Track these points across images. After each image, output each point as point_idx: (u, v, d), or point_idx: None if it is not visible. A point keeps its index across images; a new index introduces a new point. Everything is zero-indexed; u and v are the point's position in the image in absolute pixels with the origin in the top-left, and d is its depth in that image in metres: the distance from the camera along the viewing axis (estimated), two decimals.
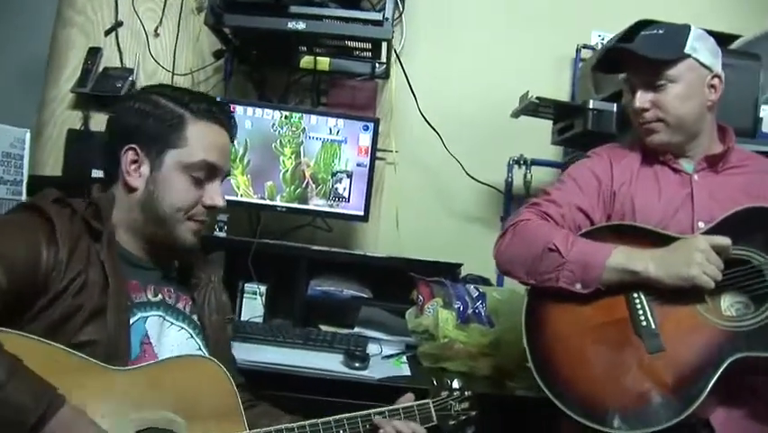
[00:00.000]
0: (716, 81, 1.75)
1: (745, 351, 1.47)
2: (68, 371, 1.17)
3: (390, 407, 1.45)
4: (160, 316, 1.40)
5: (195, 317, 1.48)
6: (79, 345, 1.21)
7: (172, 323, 1.42)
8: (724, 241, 1.55)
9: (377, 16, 2.36)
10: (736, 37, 2.31)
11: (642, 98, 1.74)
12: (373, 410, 1.42)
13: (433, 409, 1.47)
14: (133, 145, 1.37)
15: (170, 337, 1.41)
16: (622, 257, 1.61)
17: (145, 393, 1.24)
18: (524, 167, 2.90)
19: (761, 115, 2.21)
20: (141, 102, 1.41)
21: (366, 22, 2.40)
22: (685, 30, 1.74)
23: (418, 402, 1.48)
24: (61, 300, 1.22)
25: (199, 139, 1.40)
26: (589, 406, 1.52)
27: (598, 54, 1.81)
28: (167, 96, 1.42)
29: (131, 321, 1.32)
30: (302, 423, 1.35)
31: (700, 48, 1.73)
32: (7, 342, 1.11)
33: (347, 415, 1.39)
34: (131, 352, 1.30)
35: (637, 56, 1.72)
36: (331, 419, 1.37)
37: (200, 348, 1.45)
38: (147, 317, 1.37)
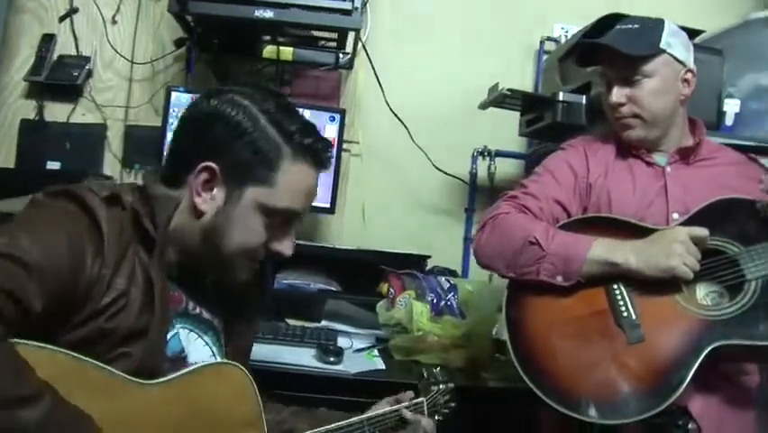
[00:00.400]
0: (689, 76, 1.77)
1: (723, 339, 1.49)
2: (100, 389, 1.06)
3: (393, 407, 1.45)
4: (191, 330, 1.28)
5: (222, 335, 1.36)
6: (112, 359, 1.09)
7: (199, 336, 1.30)
8: (702, 232, 1.57)
9: (346, 5, 2.31)
10: (699, 32, 2.34)
11: (618, 93, 1.75)
12: (365, 416, 1.41)
13: (426, 408, 1.47)
14: (213, 165, 1.19)
15: (198, 353, 1.28)
16: (602, 249, 1.61)
17: (178, 413, 1.15)
18: (488, 158, 2.90)
19: (724, 109, 2.25)
20: (241, 112, 1.20)
21: (334, 11, 2.36)
22: (660, 24, 1.76)
23: (414, 402, 1.47)
24: (98, 320, 1.08)
25: (291, 183, 1.21)
26: (570, 396, 1.52)
27: (573, 48, 1.82)
28: (271, 115, 1.21)
29: (168, 336, 1.21)
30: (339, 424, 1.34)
31: (675, 43, 1.75)
32: (33, 356, 0.98)
33: (376, 413, 1.40)
34: (164, 367, 1.18)
35: (613, 51, 1.72)
36: (363, 417, 1.38)
37: (213, 355, 1.33)
38: (180, 329, 1.25)
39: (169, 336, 1.21)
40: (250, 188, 1.20)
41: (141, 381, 1.11)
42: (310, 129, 1.25)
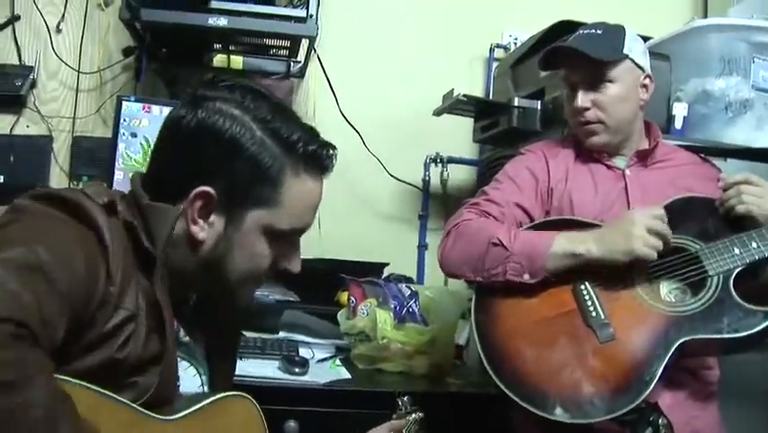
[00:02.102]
0: (647, 81, 1.82)
1: (690, 334, 1.52)
2: (123, 425, 0.95)
3: None
4: (181, 356, 1.15)
5: (204, 362, 1.26)
6: (125, 386, 0.97)
7: (190, 364, 1.20)
8: (659, 210, 1.60)
9: (300, 13, 2.30)
10: (647, 38, 2.40)
11: (583, 98, 1.77)
12: None
13: None
14: (208, 189, 1.05)
15: (189, 382, 1.19)
16: (564, 242, 1.63)
17: None
18: (440, 165, 2.92)
19: (673, 113, 2.31)
20: (234, 125, 1.06)
21: (289, 18, 2.34)
22: (621, 30, 1.79)
23: None
24: (108, 348, 0.94)
25: (297, 201, 1.10)
26: (546, 398, 1.52)
27: (545, 52, 1.82)
28: (267, 124, 1.08)
29: None
30: None
31: (635, 48, 1.79)
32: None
33: None
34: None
35: (581, 55, 1.74)
36: None
37: (201, 385, 1.23)
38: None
39: None
40: (252, 211, 1.08)
41: (160, 416, 1.01)
42: (311, 134, 1.13)
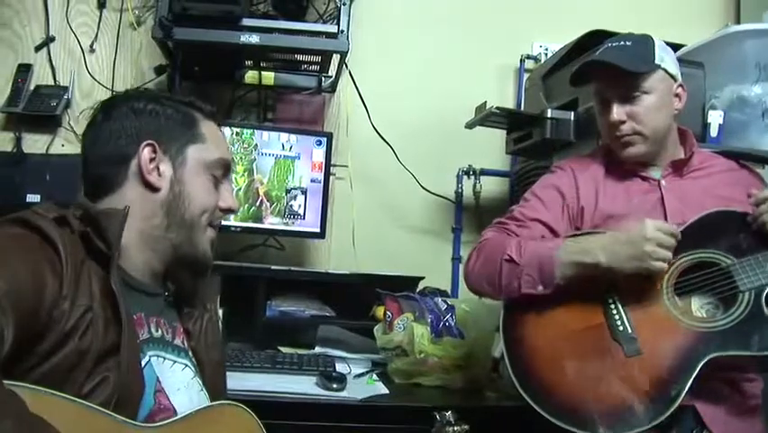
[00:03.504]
0: (680, 90, 1.80)
1: (720, 350, 1.50)
2: None
3: None
4: (160, 355, 1.20)
5: (191, 353, 1.31)
6: (89, 392, 1.01)
7: (174, 361, 1.24)
8: (671, 227, 1.58)
9: (332, 29, 2.31)
10: (680, 46, 2.38)
11: (619, 111, 1.74)
12: None
13: None
14: (151, 141, 1.23)
15: (175, 378, 1.21)
16: (572, 250, 1.63)
17: None
18: (473, 177, 2.92)
19: (708, 121, 2.28)
20: (145, 101, 1.28)
21: (320, 34, 2.35)
22: (649, 40, 1.78)
23: None
24: (67, 346, 1.00)
25: (211, 135, 1.31)
26: (573, 412, 1.53)
27: (576, 69, 1.81)
28: (165, 97, 1.32)
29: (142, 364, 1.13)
30: None
31: (666, 58, 1.77)
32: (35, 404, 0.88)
33: None
34: (144, 399, 1.10)
35: (615, 68, 1.72)
36: None
37: (201, 389, 1.28)
38: (151, 357, 1.17)
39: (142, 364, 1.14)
40: (189, 149, 1.27)
41: (141, 424, 1.05)
42: (200, 101, 1.36)
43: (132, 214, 1.18)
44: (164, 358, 1.21)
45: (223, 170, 1.32)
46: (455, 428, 1.45)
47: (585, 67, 1.81)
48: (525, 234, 1.78)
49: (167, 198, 1.24)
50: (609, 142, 1.83)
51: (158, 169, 1.24)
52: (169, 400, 1.17)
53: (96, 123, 1.28)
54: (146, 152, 1.23)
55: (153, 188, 1.23)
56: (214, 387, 1.32)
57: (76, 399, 0.97)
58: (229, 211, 1.34)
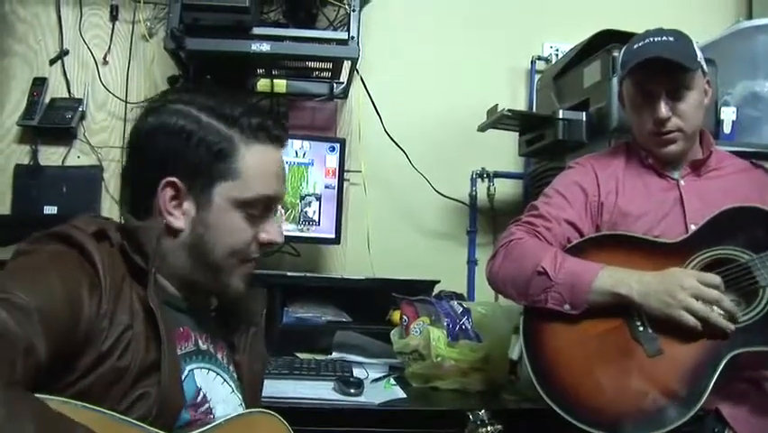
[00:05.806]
0: (707, 86, 1.78)
1: (744, 346, 1.50)
2: None
3: None
4: (207, 367, 1.19)
5: (231, 368, 1.27)
6: (128, 408, 1.00)
7: (217, 374, 1.21)
8: (713, 279, 1.55)
9: (342, 36, 2.32)
10: None
11: (666, 108, 1.71)
12: None
13: None
14: (172, 179, 1.13)
15: (219, 393, 1.20)
16: (608, 280, 1.60)
17: None
18: (486, 180, 2.92)
19: (721, 117, 2.28)
20: (179, 118, 1.14)
21: (330, 41, 2.36)
22: (687, 37, 1.76)
23: None
24: (104, 365, 0.99)
25: (255, 168, 1.16)
26: (597, 414, 1.52)
27: (625, 64, 1.75)
28: (211, 109, 1.16)
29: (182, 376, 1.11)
30: None
31: (700, 55, 1.76)
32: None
33: None
34: (184, 410, 1.09)
35: (668, 63, 1.68)
36: None
37: (240, 404, 1.25)
38: (194, 369, 1.16)
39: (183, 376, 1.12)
40: (216, 187, 1.15)
41: None
42: (255, 109, 1.22)
43: (164, 246, 1.15)
44: (208, 370, 1.20)
45: (261, 206, 1.19)
46: (489, 428, 1.44)
47: (640, 61, 1.72)
48: (555, 232, 1.77)
49: (189, 240, 1.16)
50: (647, 138, 1.79)
51: (181, 206, 1.16)
52: (211, 410, 1.16)
53: (135, 129, 1.20)
54: (167, 193, 1.14)
55: (174, 231, 1.16)
56: (252, 399, 1.30)
57: (107, 411, 0.96)
58: (271, 245, 1.22)
